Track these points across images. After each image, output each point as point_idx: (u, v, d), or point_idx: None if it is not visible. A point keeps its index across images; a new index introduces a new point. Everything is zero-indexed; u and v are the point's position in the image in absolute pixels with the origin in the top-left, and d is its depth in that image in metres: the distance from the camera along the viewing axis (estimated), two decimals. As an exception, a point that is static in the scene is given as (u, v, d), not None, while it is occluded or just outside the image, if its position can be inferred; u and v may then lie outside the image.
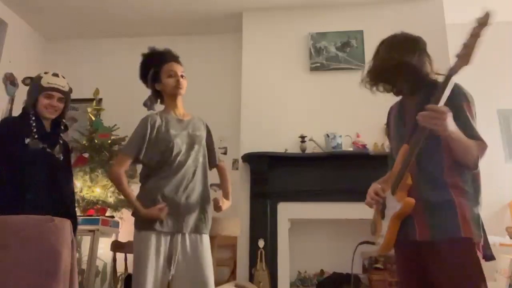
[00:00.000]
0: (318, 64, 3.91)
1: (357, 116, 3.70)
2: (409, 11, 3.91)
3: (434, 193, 1.44)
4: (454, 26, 3.93)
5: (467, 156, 1.39)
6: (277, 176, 3.55)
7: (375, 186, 1.66)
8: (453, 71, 1.30)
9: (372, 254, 3.47)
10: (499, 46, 3.86)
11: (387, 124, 1.79)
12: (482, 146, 1.40)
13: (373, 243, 1.67)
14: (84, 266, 3.47)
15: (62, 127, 2.19)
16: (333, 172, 3.48)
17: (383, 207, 1.60)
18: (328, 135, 3.55)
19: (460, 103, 1.44)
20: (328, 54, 3.93)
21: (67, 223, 1.82)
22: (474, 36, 1.27)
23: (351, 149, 3.53)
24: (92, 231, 3.31)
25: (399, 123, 1.64)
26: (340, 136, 3.56)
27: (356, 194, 3.34)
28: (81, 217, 3.37)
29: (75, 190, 3.52)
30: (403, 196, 1.47)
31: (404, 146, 1.50)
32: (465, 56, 1.26)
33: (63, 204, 1.98)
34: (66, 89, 2.14)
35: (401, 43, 1.60)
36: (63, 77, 2.16)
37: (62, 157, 2.09)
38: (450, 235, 1.38)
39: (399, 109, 1.67)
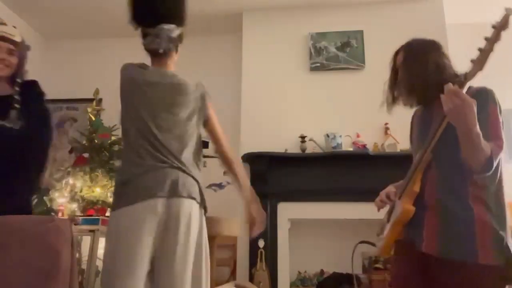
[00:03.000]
0: (318, 64, 3.91)
1: (357, 116, 3.70)
2: (409, 11, 3.91)
3: (452, 202, 1.35)
4: (454, 26, 3.94)
5: (473, 157, 1.27)
6: (277, 176, 3.55)
7: (389, 189, 1.61)
8: (468, 77, 1.22)
9: (372, 254, 3.47)
10: (498, 46, 3.85)
11: (411, 128, 1.72)
12: (496, 149, 1.28)
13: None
14: (84, 266, 3.47)
15: (18, 88, 1.75)
16: (333, 172, 3.48)
17: (391, 210, 1.57)
18: (328, 135, 3.55)
19: (485, 103, 1.35)
20: (328, 54, 3.93)
21: (67, 223, 1.82)
22: (492, 40, 1.19)
23: (351, 149, 3.53)
24: (92, 231, 3.31)
25: (423, 129, 1.54)
26: (340, 136, 3.56)
27: (356, 194, 3.40)
28: (81, 217, 3.39)
29: (75, 190, 3.54)
30: (407, 202, 1.42)
31: (421, 151, 1.43)
32: (480, 61, 1.19)
33: (18, 194, 1.62)
34: (18, 39, 1.77)
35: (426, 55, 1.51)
36: (14, 27, 1.80)
37: (20, 126, 1.66)
38: (464, 257, 1.28)
39: (425, 114, 1.58)
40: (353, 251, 2.20)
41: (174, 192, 1.51)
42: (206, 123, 1.77)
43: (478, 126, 1.21)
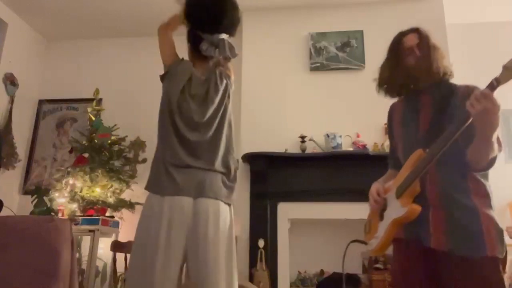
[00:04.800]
0: (318, 64, 3.91)
1: (357, 116, 3.70)
2: (409, 11, 3.91)
3: (456, 198, 1.37)
4: (454, 26, 3.94)
5: (485, 156, 1.33)
6: (277, 176, 3.55)
7: (377, 186, 1.62)
8: (499, 82, 1.24)
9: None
10: (498, 46, 3.86)
11: (389, 123, 1.74)
12: (499, 148, 1.35)
13: (365, 243, 1.64)
14: (84, 266, 3.48)
15: None
16: (333, 172, 3.47)
17: (382, 208, 1.56)
18: (328, 135, 3.55)
19: None
20: (328, 54, 3.93)
21: (67, 223, 1.82)
22: None
23: (351, 149, 3.53)
24: (92, 231, 3.32)
25: (410, 123, 1.56)
26: (340, 136, 3.55)
27: (356, 194, 3.38)
28: (81, 217, 3.39)
29: (75, 190, 3.55)
30: (409, 202, 1.41)
31: (418, 151, 1.43)
32: None
33: None
34: None
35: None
36: None
37: None
38: (473, 252, 1.31)
39: (408, 109, 1.60)
40: (345, 250, 2.20)
41: (201, 193, 1.59)
42: None
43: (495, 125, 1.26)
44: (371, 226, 1.62)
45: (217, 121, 1.72)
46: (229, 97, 1.80)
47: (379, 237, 1.51)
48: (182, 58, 1.84)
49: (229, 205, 1.68)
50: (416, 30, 1.61)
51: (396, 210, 1.45)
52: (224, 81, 1.80)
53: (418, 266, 1.44)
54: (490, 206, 1.39)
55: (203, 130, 1.69)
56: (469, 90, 1.37)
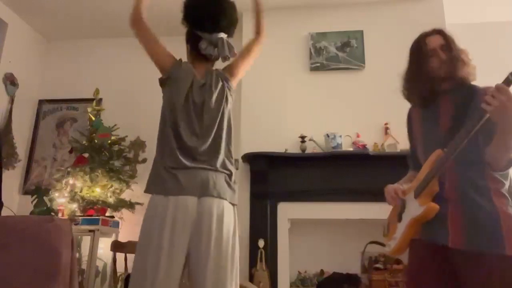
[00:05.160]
0: (318, 64, 3.90)
1: (357, 116, 3.70)
2: (409, 11, 3.91)
3: (475, 196, 1.37)
4: (454, 26, 3.94)
5: (506, 154, 1.32)
6: (277, 176, 3.55)
7: (395, 186, 1.60)
8: None
9: (372, 254, 3.47)
10: (498, 46, 3.86)
11: (408, 125, 1.71)
12: None
13: (382, 244, 1.64)
14: (84, 266, 3.47)
15: None
16: (333, 172, 3.47)
17: (401, 210, 1.55)
18: (328, 135, 3.55)
19: None
20: (328, 54, 3.93)
21: (67, 223, 1.82)
22: None
23: (351, 149, 3.53)
24: (92, 231, 3.32)
25: (430, 124, 1.55)
26: (340, 136, 3.55)
27: (356, 194, 3.40)
28: (81, 217, 3.39)
29: (75, 190, 3.54)
30: (427, 201, 1.41)
31: (437, 151, 1.43)
32: None
33: None
34: None
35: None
36: None
37: None
38: (492, 250, 1.30)
39: (428, 110, 1.58)
40: (363, 251, 2.19)
41: (205, 192, 1.59)
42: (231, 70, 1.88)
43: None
44: (390, 228, 1.61)
45: (215, 127, 1.70)
46: (226, 100, 1.77)
47: (397, 238, 1.51)
48: (180, 59, 1.79)
49: (233, 205, 1.68)
50: (440, 32, 1.58)
51: (415, 209, 1.45)
52: (220, 84, 1.77)
53: (434, 266, 1.43)
54: (510, 206, 1.37)
55: (203, 137, 1.67)
56: (488, 90, 1.35)
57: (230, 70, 1.87)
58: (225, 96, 1.77)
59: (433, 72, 1.52)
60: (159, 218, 1.54)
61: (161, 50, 1.77)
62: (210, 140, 1.68)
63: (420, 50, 1.58)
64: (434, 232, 1.42)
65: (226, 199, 1.62)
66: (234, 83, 1.87)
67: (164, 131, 1.68)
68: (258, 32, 2.08)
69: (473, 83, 1.53)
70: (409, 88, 1.62)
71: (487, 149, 1.36)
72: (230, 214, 1.63)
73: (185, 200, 1.55)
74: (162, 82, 1.76)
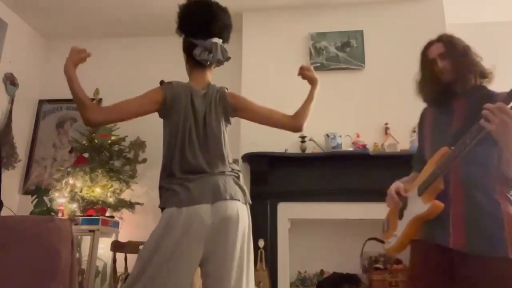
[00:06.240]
0: (318, 64, 3.90)
1: (357, 116, 3.70)
2: (409, 11, 3.91)
3: (479, 197, 1.35)
4: (454, 26, 3.94)
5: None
6: (277, 176, 3.55)
7: (397, 185, 1.59)
8: None
9: (372, 254, 3.47)
10: (498, 46, 3.86)
11: (420, 125, 1.71)
12: None
13: (382, 241, 1.62)
14: (84, 266, 3.47)
15: None
16: (333, 172, 3.47)
17: (402, 207, 1.54)
18: (328, 135, 3.55)
19: None
20: (328, 54, 3.93)
21: (67, 223, 1.82)
22: None
23: (351, 149, 3.53)
24: (92, 231, 3.32)
25: (442, 125, 1.54)
26: (340, 136, 3.56)
27: (356, 194, 3.40)
28: (81, 217, 3.39)
29: (75, 190, 3.54)
30: (431, 199, 1.39)
31: (443, 149, 1.42)
32: None
33: None
34: None
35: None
36: None
37: None
38: (494, 252, 1.28)
39: (441, 111, 1.58)
40: (362, 248, 2.19)
41: (217, 197, 1.58)
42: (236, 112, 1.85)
43: None
44: (389, 224, 1.60)
45: (219, 134, 1.73)
46: (221, 109, 1.79)
47: (398, 236, 1.49)
48: (169, 82, 1.75)
49: (245, 204, 1.68)
50: (441, 39, 1.59)
51: (418, 207, 1.43)
52: (219, 95, 1.80)
53: (435, 267, 1.42)
54: None
55: (207, 144, 1.69)
56: (489, 106, 1.30)
57: (235, 102, 1.85)
58: (216, 104, 1.79)
59: (439, 78, 1.54)
60: (171, 229, 1.53)
61: (141, 101, 1.72)
62: (215, 146, 1.70)
63: (423, 61, 1.62)
64: (435, 232, 1.41)
65: (238, 200, 1.63)
66: (232, 112, 1.84)
67: (169, 156, 1.68)
68: (297, 116, 2.08)
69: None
70: (421, 91, 1.63)
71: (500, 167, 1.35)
72: (244, 215, 1.63)
73: (199, 210, 1.55)
74: (162, 114, 1.75)
